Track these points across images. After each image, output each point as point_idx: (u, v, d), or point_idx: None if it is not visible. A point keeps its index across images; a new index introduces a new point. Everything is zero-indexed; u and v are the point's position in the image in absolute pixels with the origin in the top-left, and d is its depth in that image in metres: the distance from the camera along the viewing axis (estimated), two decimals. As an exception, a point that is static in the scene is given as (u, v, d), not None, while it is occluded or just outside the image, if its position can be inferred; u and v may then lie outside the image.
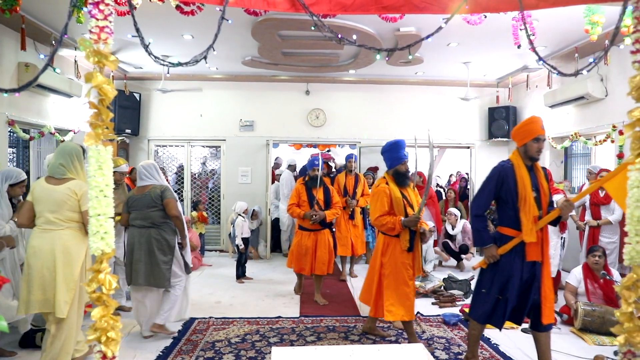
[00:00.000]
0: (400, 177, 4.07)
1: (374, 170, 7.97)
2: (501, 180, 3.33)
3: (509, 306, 3.26)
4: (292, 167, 8.52)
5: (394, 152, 4.12)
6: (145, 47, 2.15)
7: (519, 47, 4.89)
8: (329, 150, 11.15)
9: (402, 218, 3.90)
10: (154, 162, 4.44)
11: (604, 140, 6.11)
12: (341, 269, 6.81)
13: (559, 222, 3.59)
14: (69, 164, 3.42)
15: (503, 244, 3.30)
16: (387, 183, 4.07)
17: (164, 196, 4.16)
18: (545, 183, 3.38)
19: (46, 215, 3.31)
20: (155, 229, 4.17)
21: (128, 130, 8.24)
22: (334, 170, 9.26)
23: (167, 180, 5.02)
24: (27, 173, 6.25)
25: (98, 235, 1.72)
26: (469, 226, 7.48)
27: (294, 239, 5.75)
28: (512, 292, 3.24)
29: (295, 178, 6.97)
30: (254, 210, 7.83)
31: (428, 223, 6.41)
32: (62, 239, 3.28)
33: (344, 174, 6.77)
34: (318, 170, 5.47)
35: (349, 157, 6.87)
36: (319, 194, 5.44)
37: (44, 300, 3.23)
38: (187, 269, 4.46)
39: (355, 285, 6.31)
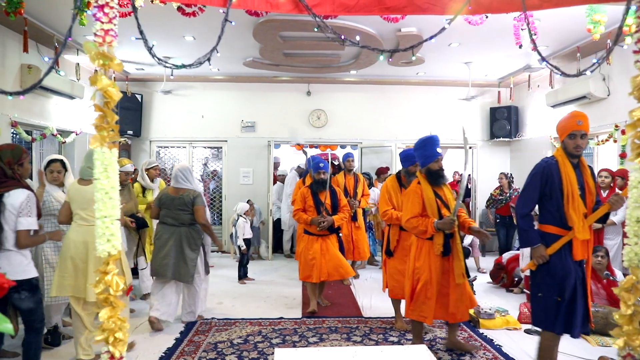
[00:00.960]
0: (433, 176, 3.81)
1: (384, 170, 7.79)
2: (545, 177, 3.17)
3: (578, 307, 3.06)
4: (300, 170, 8.32)
5: (426, 149, 3.86)
6: (149, 49, 2.16)
7: (520, 47, 4.89)
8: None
9: (436, 220, 3.67)
10: (189, 166, 4.87)
11: (607, 140, 6.10)
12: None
13: (607, 219, 3.49)
14: None
15: (548, 243, 3.14)
16: (419, 182, 3.85)
17: (195, 202, 4.52)
18: (592, 181, 3.21)
19: (79, 213, 3.69)
20: (185, 228, 4.56)
21: (130, 132, 8.25)
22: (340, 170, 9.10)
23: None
24: (30, 175, 6.27)
25: (104, 238, 1.72)
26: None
27: (299, 244, 5.32)
28: (570, 292, 3.05)
29: (303, 180, 6.65)
30: (251, 205, 7.63)
31: None
32: (93, 234, 3.36)
33: (343, 174, 6.55)
34: (325, 173, 5.09)
35: (347, 156, 6.64)
36: (327, 198, 5.09)
37: (76, 285, 3.62)
38: (207, 269, 4.86)
39: (358, 285, 6.31)
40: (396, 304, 4.68)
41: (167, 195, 4.59)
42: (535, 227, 3.27)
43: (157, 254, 4.55)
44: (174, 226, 4.55)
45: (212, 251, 8.50)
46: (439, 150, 3.86)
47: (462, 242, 4.46)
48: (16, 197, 3.04)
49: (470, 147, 8.83)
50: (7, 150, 3.13)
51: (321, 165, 5.11)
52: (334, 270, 4.97)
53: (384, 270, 4.72)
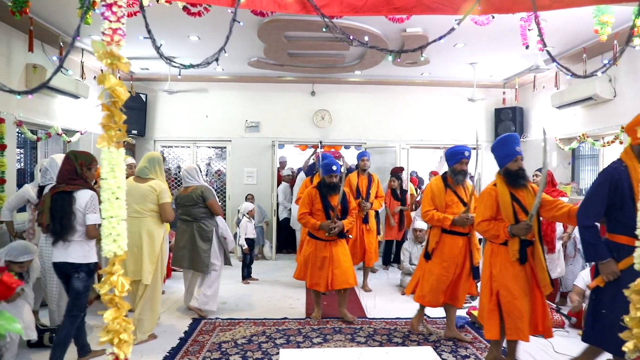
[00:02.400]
0: (512, 177, 3.50)
1: (399, 170, 7.68)
2: (614, 186, 2.88)
3: None
4: (306, 165, 8.25)
5: (503, 148, 3.58)
6: (157, 48, 2.15)
7: (527, 47, 4.86)
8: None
9: (510, 225, 3.40)
10: (195, 166, 5.17)
11: (612, 142, 6.07)
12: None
13: None
14: (151, 167, 4.38)
15: (619, 256, 2.84)
16: (495, 184, 3.58)
17: (205, 197, 4.89)
18: None
19: (133, 206, 4.13)
20: (197, 223, 4.92)
21: (134, 131, 8.26)
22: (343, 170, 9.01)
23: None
24: (32, 174, 6.28)
25: (110, 238, 1.71)
26: None
27: (305, 248, 5.01)
28: None
29: (311, 178, 6.43)
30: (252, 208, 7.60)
31: (420, 224, 6.38)
32: (146, 225, 4.24)
33: (356, 174, 6.19)
34: (336, 177, 4.77)
35: (361, 155, 6.26)
36: (336, 202, 4.74)
37: (134, 270, 4.19)
38: (227, 260, 5.17)
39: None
40: (422, 310, 4.48)
41: (180, 195, 5.06)
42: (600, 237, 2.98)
43: (176, 246, 5.04)
44: (188, 221, 4.96)
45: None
46: (518, 148, 3.55)
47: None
48: (83, 197, 3.53)
49: (474, 148, 8.78)
50: (82, 154, 3.70)
51: (333, 168, 4.76)
52: (343, 280, 4.72)
53: (415, 272, 4.49)
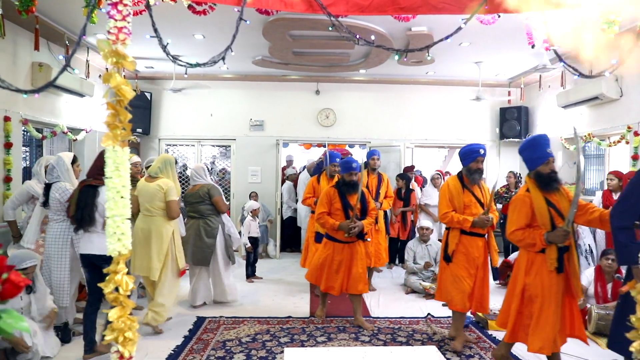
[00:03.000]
0: (544, 181, 3.30)
1: (410, 169, 7.60)
2: None
3: None
4: (312, 165, 8.17)
5: (534, 150, 3.39)
6: (164, 47, 2.15)
7: (533, 47, 4.83)
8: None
9: (546, 232, 3.20)
10: (202, 165, 5.37)
11: (619, 142, 6.04)
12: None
13: None
14: (163, 168, 4.57)
15: None
16: (528, 190, 3.36)
17: (211, 194, 5.09)
18: None
19: (145, 205, 4.43)
20: (203, 219, 5.14)
21: (139, 130, 8.28)
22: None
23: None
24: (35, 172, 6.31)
25: (115, 237, 1.72)
26: None
27: (321, 250, 4.79)
28: None
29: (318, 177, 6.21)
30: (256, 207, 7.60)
31: (426, 222, 6.37)
32: (155, 223, 4.41)
33: (366, 173, 5.95)
34: (356, 174, 4.61)
35: (371, 154, 6.07)
36: (355, 201, 4.57)
37: (141, 266, 4.42)
38: (232, 258, 5.34)
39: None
40: (459, 318, 4.20)
41: (188, 193, 5.24)
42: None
43: (184, 241, 5.07)
44: (194, 218, 5.17)
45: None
46: (549, 150, 3.35)
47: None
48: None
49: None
50: None
51: (353, 165, 4.61)
52: (358, 285, 4.59)
53: (438, 277, 4.32)
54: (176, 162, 4.86)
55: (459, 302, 4.03)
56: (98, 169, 3.75)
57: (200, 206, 5.11)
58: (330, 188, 4.73)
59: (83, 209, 3.70)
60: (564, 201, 3.30)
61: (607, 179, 5.26)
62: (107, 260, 3.51)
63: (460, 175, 4.18)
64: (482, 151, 4.06)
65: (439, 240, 7.28)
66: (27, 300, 3.71)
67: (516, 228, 3.33)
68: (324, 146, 8.44)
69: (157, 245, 4.36)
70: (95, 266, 3.73)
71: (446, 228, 4.25)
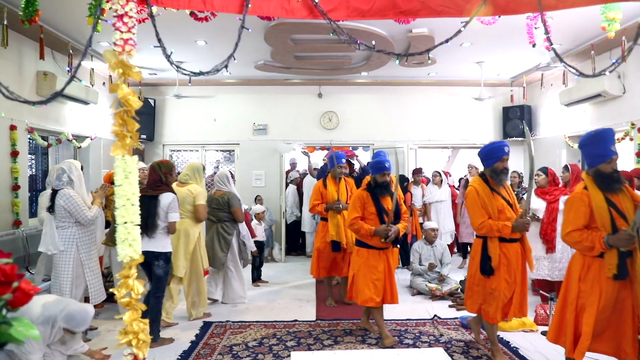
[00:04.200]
0: (605, 180, 3.03)
1: (419, 171, 7.58)
2: None
3: None
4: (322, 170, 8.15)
5: (596, 147, 3.10)
6: (167, 56, 2.18)
7: (534, 46, 4.84)
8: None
9: (606, 235, 2.90)
10: (227, 172, 5.60)
11: (622, 139, 6.03)
12: None
13: None
14: (193, 174, 4.94)
15: None
16: (585, 187, 3.09)
17: (231, 204, 5.32)
18: None
19: None
20: (220, 224, 5.36)
21: (143, 136, 8.33)
22: (356, 170, 8.72)
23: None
24: (45, 178, 6.37)
25: (126, 243, 1.74)
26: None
27: (355, 260, 4.37)
28: None
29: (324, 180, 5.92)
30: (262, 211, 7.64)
31: (429, 224, 6.35)
32: (183, 225, 4.70)
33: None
34: (388, 175, 4.34)
35: (377, 155, 5.84)
36: (388, 204, 4.29)
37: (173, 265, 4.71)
38: (243, 262, 5.56)
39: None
40: (491, 328, 3.92)
41: (210, 197, 5.42)
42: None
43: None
44: (212, 222, 5.37)
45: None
46: (612, 148, 3.08)
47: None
48: (166, 199, 4.19)
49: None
50: (164, 164, 4.35)
51: (386, 165, 4.30)
52: (394, 294, 4.31)
53: (469, 287, 3.90)
54: (203, 168, 5.23)
55: (496, 315, 3.72)
56: (155, 182, 4.26)
57: (219, 213, 5.33)
58: (363, 191, 4.36)
59: (147, 218, 4.02)
60: (627, 202, 3.02)
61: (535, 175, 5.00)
62: (158, 256, 4.03)
63: (484, 178, 3.82)
64: (506, 149, 3.79)
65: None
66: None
67: (573, 229, 3.03)
68: (328, 149, 8.46)
69: (184, 245, 4.74)
70: (147, 262, 4.06)
71: (477, 237, 3.81)
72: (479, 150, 4.01)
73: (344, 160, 5.51)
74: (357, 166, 6.96)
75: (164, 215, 4.18)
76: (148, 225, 4.05)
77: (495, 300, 3.70)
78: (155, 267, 4.17)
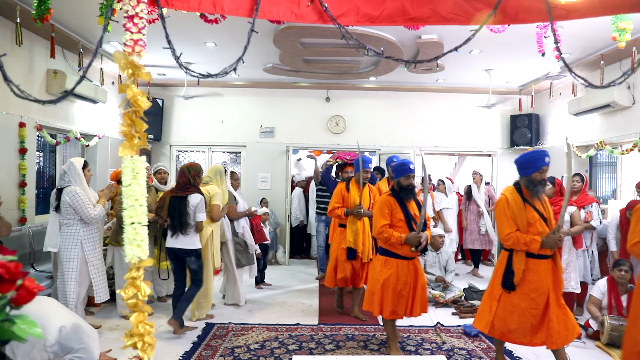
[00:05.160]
0: None
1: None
2: None
3: None
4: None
5: None
6: (177, 58, 2.19)
7: (543, 55, 4.82)
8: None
9: None
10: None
11: (631, 150, 5.98)
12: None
13: None
14: (214, 176, 5.20)
15: None
16: None
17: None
18: None
19: None
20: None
21: (151, 136, 8.37)
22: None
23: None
24: (53, 176, 6.41)
25: (134, 243, 1.74)
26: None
27: (381, 270, 4.06)
28: None
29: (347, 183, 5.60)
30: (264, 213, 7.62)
31: (436, 230, 6.33)
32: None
33: (387, 181, 5.62)
34: (413, 177, 4.11)
35: (391, 160, 5.54)
36: (414, 209, 4.10)
37: None
38: (239, 263, 5.57)
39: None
40: (500, 347, 3.76)
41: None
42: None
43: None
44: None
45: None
46: None
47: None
48: (194, 199, 4.51)
49: (489, 155, 8.76)
50: (193, 167, 4.62)
51: (411, 167, 4.07)
52: (424, 304, 4.13)
53: (493, 305, 3.58)
54: (225, 171, 5.42)
55: (519, 336, 3.47)
56: (184, 184, 4.57)
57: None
58: (389, 197, 4.10)
59: (179, 217, 4.47)
60: None
61: (572, 180, 4.96)
62: (190, 253, 4.55)
63: (518, 187, 3.60)
64: (547, 159, 3.52)
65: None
66: None
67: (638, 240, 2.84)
68: (333, 153, 8.45)
69: (213, 245, 5.01)
70: (179, 258, 4.57)
71: (503, 249, 3.59)
72: (516, 159, 3.76)
73: (370, 166, 5.20)
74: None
75: (193, 214, 4.50)
76: (181, 223, 4.46)
77: (519, 321, 3.43)
78: (189, 263, 4.59)
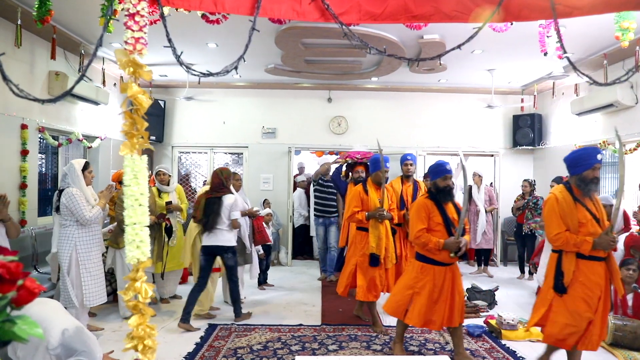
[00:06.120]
0: None
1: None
2: None
3: None
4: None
5: None
6: (177, 57, 2.18)
7: (545, 54, 4.81)
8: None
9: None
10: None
11: (635, 149, 5.96)
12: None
13: None
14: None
15: None
16: None
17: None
18: None
19: None
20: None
21: (152, 137, 8.36)
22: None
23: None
24: (55, 177, 6.41)
25: (134, 244, 1.73)
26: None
27: (416, 277, 3.82)
28: None
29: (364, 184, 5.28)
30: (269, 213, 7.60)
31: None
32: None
33: (399, 180, 5.35)
34: (451, 178, 3.86)
35: (404, 159, 5.36)
36: (452, 212, 3.88)
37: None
38: (236, 262, 5.51)
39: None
40: (551, 351, 3.61)
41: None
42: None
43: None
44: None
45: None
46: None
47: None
48: (228, 200, 4.87)
49: (492, 155, 8.74)
50: (225, 170, 5.03)
51: (447, 167, 3.86)
52: (462, 313, 3.87)
53: (545, 308, 3.40)
54: (234, 175, 5.54)
55: (574, 340, 3.30)
56: (218, 185, 4.92)
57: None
58: (426, 200, 3.88)
59: (209, 216, 4.79)
60: None
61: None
62: (226, 250, 4.89)
63: (568, 186, 3.43)
64: (599, 156, 3.35)
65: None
66: None
67: None
68: (336, 154, 8.44)
69: (189, 240, 5.33)
70: (214, 256, 4.89)
71: (552, 251, 3.46)
72: (566, 156, 3.55)
73: (388, 165, 4.91)
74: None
75: (228, 213, 4.82)
76: (209, 221, 4.79)
77: (576, 326, 3.26)
78: (226, 259, 4.91)
